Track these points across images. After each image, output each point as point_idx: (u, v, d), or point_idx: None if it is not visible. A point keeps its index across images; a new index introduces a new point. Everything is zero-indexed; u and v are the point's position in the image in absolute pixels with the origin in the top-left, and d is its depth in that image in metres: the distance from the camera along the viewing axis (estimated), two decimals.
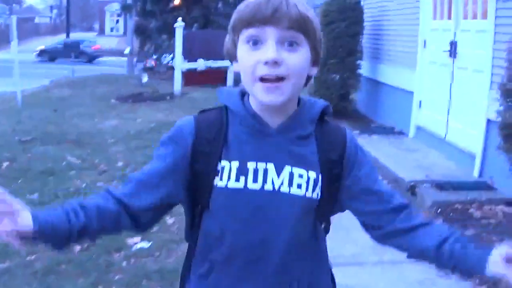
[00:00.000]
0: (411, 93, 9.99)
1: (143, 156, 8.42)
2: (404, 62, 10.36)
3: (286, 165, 1.82)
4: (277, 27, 1.71)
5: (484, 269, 1.72)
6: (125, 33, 39.17)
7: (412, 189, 7.03)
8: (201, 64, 16.20)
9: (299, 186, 1.82)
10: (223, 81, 17.01)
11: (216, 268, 1.88)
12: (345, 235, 4.88)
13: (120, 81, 19.55)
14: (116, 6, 51.44)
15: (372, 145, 9.08)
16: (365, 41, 11.99)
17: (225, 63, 16.74)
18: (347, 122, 11.06)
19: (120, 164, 8.09)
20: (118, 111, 12.97)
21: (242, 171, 1.80)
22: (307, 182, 1.83)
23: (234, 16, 1.82)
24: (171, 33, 17.00)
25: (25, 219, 1.62)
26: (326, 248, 2.02)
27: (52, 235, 1.69)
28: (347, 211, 2.00)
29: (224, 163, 1.81)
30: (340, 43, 11.32)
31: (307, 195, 1.82)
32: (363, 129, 10.51)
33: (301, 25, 1.73)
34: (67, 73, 24.62)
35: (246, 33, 1.75)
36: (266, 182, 1.80)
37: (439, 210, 6.47)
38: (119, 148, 9.05)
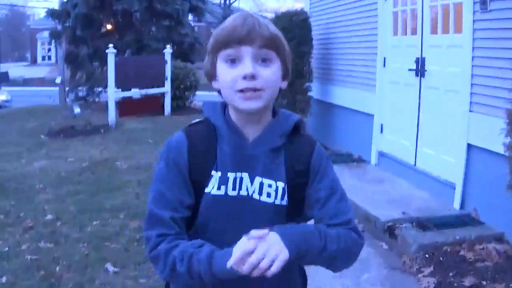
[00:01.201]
0: (371, 116, 9.11)
1: (75, 205, 7.33)
2: (361, 83, 9.47)
3: (257, 176, 2.02)
4: (252, 46, 1.93)
5: None
6: (57, 61, 37.84)
7: (390, 230, 6.10)
8: (136, 92, 15.16)
9: (269, 195, 2.02)
10: (160, 108, 16.17)
11: None
12: None
13: (51, 113, 18.30)
14: (47, 34, 50.14)
15: None
16: (315, 61, 11.06)
17: (161, 89, 15.91)
18: None
19: (49, 217, 6.93)
20: (48, 148, 11.75)
21: (223, 180, 2.01)
22: (276, 191, 2.02)
23: (212, 39, 2.01)
24: (103, 60, 15.96)
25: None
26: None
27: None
28: None
29: (213, 173, 2.02)
30: None
31: (276, 202, 2.03)
32: None
33: (272, 43, 1.97)
34: None
35: (224, 53, 1.96)
36: (241, 189, 2.01)
37: (427, 255, 5.57)
38: (48, 196, 7.88)
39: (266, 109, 2.03)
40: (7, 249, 5.92)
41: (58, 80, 26.60)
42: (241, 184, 2.02)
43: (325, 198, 2.04)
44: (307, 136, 2.16)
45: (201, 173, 2.02)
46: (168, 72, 16.09)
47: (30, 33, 69.46)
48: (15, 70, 51.35)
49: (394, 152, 8.52)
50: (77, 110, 17.37)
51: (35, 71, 51.35)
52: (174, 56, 17.32)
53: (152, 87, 15.88)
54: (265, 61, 1.95)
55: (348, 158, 9.51)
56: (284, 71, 2.04)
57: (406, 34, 8.29)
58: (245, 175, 2.02)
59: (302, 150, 2.08)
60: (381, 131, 8.90)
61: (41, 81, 42.99)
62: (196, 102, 18.94)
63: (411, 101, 7.88)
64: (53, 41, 22.82)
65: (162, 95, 16.20)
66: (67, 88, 23.73)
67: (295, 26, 10.47)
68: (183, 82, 17.62)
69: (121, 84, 14.82)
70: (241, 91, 1.94)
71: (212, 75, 2.05)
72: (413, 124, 7.84)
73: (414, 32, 7.98)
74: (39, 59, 67.68)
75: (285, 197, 2.03)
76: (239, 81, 1.93)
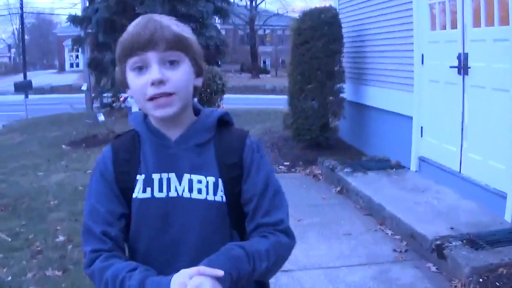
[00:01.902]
0: (409, 118, 8.40)
1: None
2: (398, 82, 8.77)
3: (184, 173, 1.98)
4: (156, 50, 1.89)
5: None
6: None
7: (438, 249, 5.40)
8: None
9: (199, 191, 1.97)
10: None
11: None
12: None
13: (75, 121, 17.90)
14: None
15: (370, 186, 7.52)
16: (347, 60, 10.39)
17: None
18: (332, 155, 9.53)
19: (60, 239, 6.35)
20: (68, 159, 11.25)
21: (148, 182, 1.98)
22: (207, 187, 1.97)
23: (118, 48, 1.96)
24: None
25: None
26: None
27: None
28: None
29: (138, 177, 1.99)
30: (318, 64, 9.73)
31: (208, 198, 1.97)
32: (354, 164, 8.82)
33: (177, 44, 1.92)
34: (23, 114, 22.85)
35: (131, 61, 1.92)
36: (170, 190, 1.97)
37: (481, 279, 4.86)
38: (62, 214, 7.30)
39: (185, 110, 2.00)
40: (10, 278, 5.33)
41: (84, 87, 26.21)
42: (169, 185, 1.98)
43: (259, 193, 2.01)
44: (238, 130, 2.14)
45: (127, 180, 2.00)
46: None
47: (58, 40, 69.66)
48: (44, 77, 51.53)
49: (436, 157, 7.82)
50: (101, 117, 16.91)
51: (63, 78, 51.32)
52: None
53: None
54: (173, 63, 1.92)
55: (386, 164, 8.80)
56: (196, 69, 2.01)
57: (445, 28, 7.58)
58: (172, 175, 1.99)
59: (232, 143, 2.06)
60: (421, 135, 8.19)
61: (68, 88, 42.76)
62: (225, 106, 18.44)
63: (454, 101, 7.18)
64: (77, 48, 22.41)
65: None
66: (93, 95, 23.32)
67: (323, 23, 9.80)
68: (209, 86, 17.05)
69: None
70: (152, 98, 1.90)
71: (124, 84, 2.00)
72: (457, 126, 7.13)
73: (454, 25, 7.26)
74: (67, 66, 68.05)
75: (219, 193, 1.99)
76: (148, 88, 1.89)
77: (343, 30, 10.07)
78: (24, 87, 24.87)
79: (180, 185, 1.97)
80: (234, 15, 32.00)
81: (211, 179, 1.98)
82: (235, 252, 1.87)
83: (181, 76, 1.92)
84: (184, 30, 1.97)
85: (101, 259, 1.92)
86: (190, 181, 1.97)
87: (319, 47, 9.69)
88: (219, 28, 24.58)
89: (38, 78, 50.87)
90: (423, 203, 6.71)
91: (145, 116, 2.06)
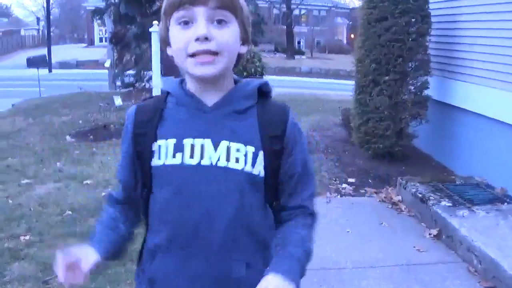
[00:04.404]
0: None
1: None
2: (509, 82, 6.32)
3: (222, 140, 1.84)
4: (206, 6, 1.75)
5: None
6: None
7: None
8: None
9: (237, 160, 1.83)
10: None
11: (159, 250, 1.89)
12: None
13: (91, 103, 15.73)
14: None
15: (488, 236, 5.14)
16: (434, 46, 7.92)
17: None
18: (408, 170, 7.55)
19: None
20: (66, 159, 8.88)
21: (178, 147, 1.84)
22: (245, 156, 1.84)
23: (165, 2, 1.84)
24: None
25: (90, 258, 1.74)
26: (271, 233, 1.96)
27: (115, 253, 1.89)
28: None
29: (160, 142, 1.86)
30: (398, 50, 7.32)
31: (245, 169, 1.83)
32: (447, 189, 6.35)
33: (228, 3, 1.78)
34: (43, 91, 20.94)
35: (176, 15, 1.79)
36: (203, 158, 1.83)
37: None
38: (28, 268, 4.74)
39: (225, 75, 1.87)
40: None
41: (107, 64, 24.02)
42: (203, 152, 1.83)
43: (301, 172, 1.93)
44: (279, 102, 2.02)
45: (144, 144, 1.89)
46: None
47: (87, 14, 68.77)
48: (72, 51, 51.14)
49: None
50: (118, 101, 14.69)
51: (91, 53, 50.23)
52: None
53: None
54: (220, 22, 1.78)
55: (490, 193, 6.34)
56: (243, 34, 1.87)
57: None
58: (207, 142, 1.84)
59: (275, 115, 1.92)
60: None
61: (94, 64, 41.28)
62: None
63: None
64: (97, 20, 20.48)
65: None
66: (115, 71, 21.18)
67: None
68: (246, 68, 14.89)
69: (169, 70, 11.95)
70: (193, 55, 1.77)
71: (165, 41, 1.88)
72: None
73: None
74: (96, 41, 66.98)
75: (258, 166, 1.84)
76: (191, 43, 1.77)
77: (430, 6, 7.65)
78: (37, 62, 23.12)
79: (215, 152, 1.83)
80: None
81: (251, 149, 1.84)
82: (293, 254, 1.83)
83: (228, 36, 1.78)
84: None
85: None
86: (228, 149, 1.83)
87: (401, 26, 7.25)
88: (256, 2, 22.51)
89: (66, 52, 49.84)
90: None
91: (181, 81, 1.93)
